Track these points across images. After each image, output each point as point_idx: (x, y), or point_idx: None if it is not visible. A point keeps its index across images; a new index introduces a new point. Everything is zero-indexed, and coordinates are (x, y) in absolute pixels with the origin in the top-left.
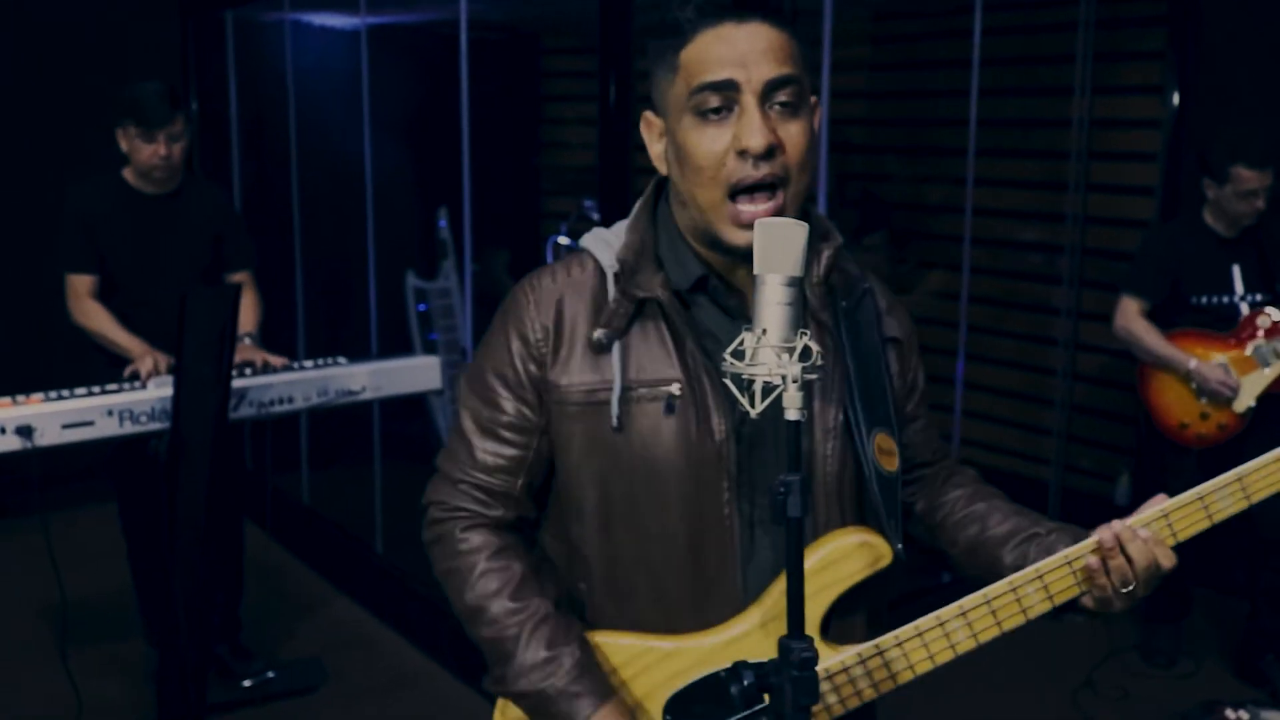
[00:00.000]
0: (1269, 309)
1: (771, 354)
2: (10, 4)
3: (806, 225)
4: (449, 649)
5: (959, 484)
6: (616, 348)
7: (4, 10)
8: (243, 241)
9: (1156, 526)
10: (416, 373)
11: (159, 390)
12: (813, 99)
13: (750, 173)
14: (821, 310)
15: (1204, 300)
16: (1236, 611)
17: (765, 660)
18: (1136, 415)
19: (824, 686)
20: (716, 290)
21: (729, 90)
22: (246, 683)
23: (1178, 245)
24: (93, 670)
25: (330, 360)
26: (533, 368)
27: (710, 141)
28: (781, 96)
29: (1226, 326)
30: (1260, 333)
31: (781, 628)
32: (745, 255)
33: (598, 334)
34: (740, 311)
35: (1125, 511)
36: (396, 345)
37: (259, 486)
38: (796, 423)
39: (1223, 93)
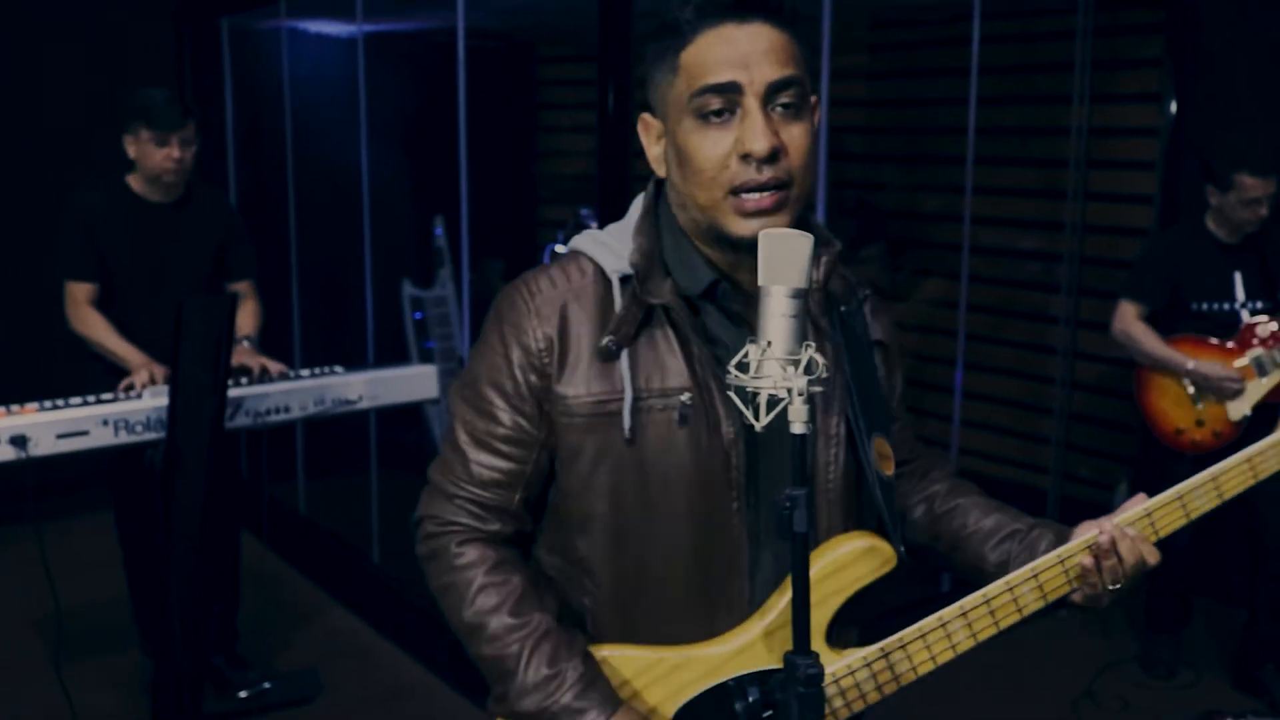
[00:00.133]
0: (1268, 318)
1: (776, 366)
2: (5, 11)
3: (811, 237)
4: (446, 660)
5: (936, 479)
6: (625, 356)
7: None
8: (245, 250)
9: (1141, 525)
10: (414, 382)
11: (154, 400)
12: (812, 99)
13: (754, 176)
14: (821, 316)
15: (1204, 307)
16: (1236, 621)
17: (771, 672)
18: (1135, 423)
19: (829, 691)
20: (725, 295)
21: (731, 92)
22: (242, 693)
23: (1179, 251)
24: (87, 681)
25: (327, 369)
26: (534, 378)
27: (712, 145)
28: (784, 98)
29: (1226, 334)
30: (1259, 341)
31: (788, 636)
32: (750, 248)
33: (606, 341)
34: (745, 318)
35: None
36: (392, 353)
37: (255, 496)
38: (802, 436)
39: (1221, 100)
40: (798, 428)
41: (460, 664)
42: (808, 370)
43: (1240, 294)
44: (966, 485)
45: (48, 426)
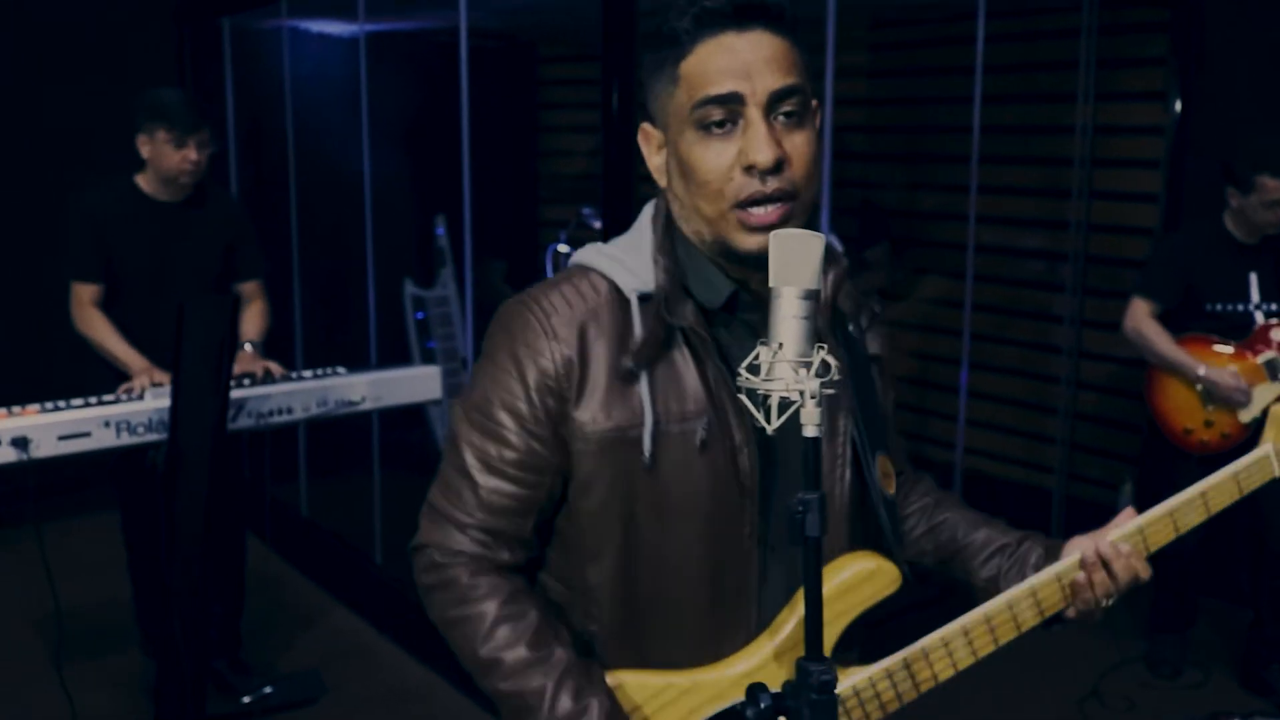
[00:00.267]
0: None
1: (788, 369)
2: (6, 11)
3: (823, 236)
4: (449, 661)
5: (922, 492)
6: (644, 379)
7: (0, 17)
8: (253, 251)
9: (1133, 541)
10: (416, 383)
11: (156, 401)
12: (814, 103)
13: (759, 188)
14: (829, 334)
15: (1218, 307)
16: (1242, 621)
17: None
18: (1140, 423)
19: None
20: (744, 305)
21: (733, 103)
22: (245, 699)
23: (1195, 250)
24: (88, 682)
25: (330, 370)
26: (551, 402)
27: (715, 156)
28: (786, 107)
29: (1240, 335)
30: (1274, 345)
31: (796, 657)
32: (758, 262)
33: (627, 363)
34: (763, 327)
35: None
36: (395, 354)
37: (257, 497)
38: (815, 439)
39: (1225, 99)
40: (810, 431)
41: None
42: (820, 372)
43: (1255, 295)
44: (951, 498)
45: (49, 428)
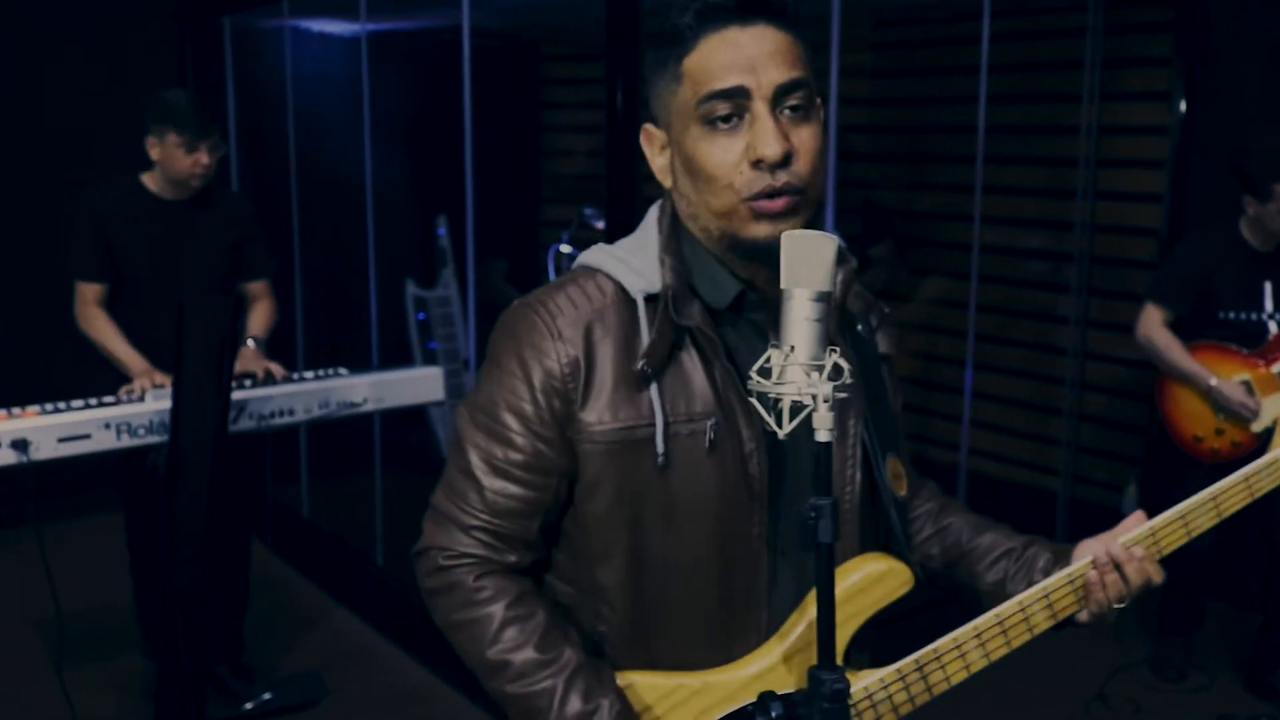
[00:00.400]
0: None
1: (800, 372)
2: (6, 11)
3: (835, 239)
4: (450, 663)
5: (926, 497)
6: (654, 381)
7: (0, 16)
8: (260, 250)
9: (1145, 545)
10: (419, 384)
11: (157, 403)
12: (817, 99)
13: (768, 182)
14: (838, 336)
15: (1232, 315)
16: (1249, 625)
17: (794, 690)
18: (1145, 425)
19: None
20: (751, 305)
21: (739, 97)
22: (247, 705)
23: (1209, 257)
24: (88, 685)
25: (331, 371)
26: (557, 403)
27: (722, 151)
28: (792, 100)
29: (1253, 344)
30: None
31: (807, 659)
32: (766, 253)
33: (641, 366)
34: (770, 327)
35: None
36: (397, 354)
37: (258, 499)
38: (827, 444)
39: (1230, 99)
40: (823, 435)
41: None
42: (833, 375)
43: (1269, 304)
44: (956, 503)
45: (49, 430)
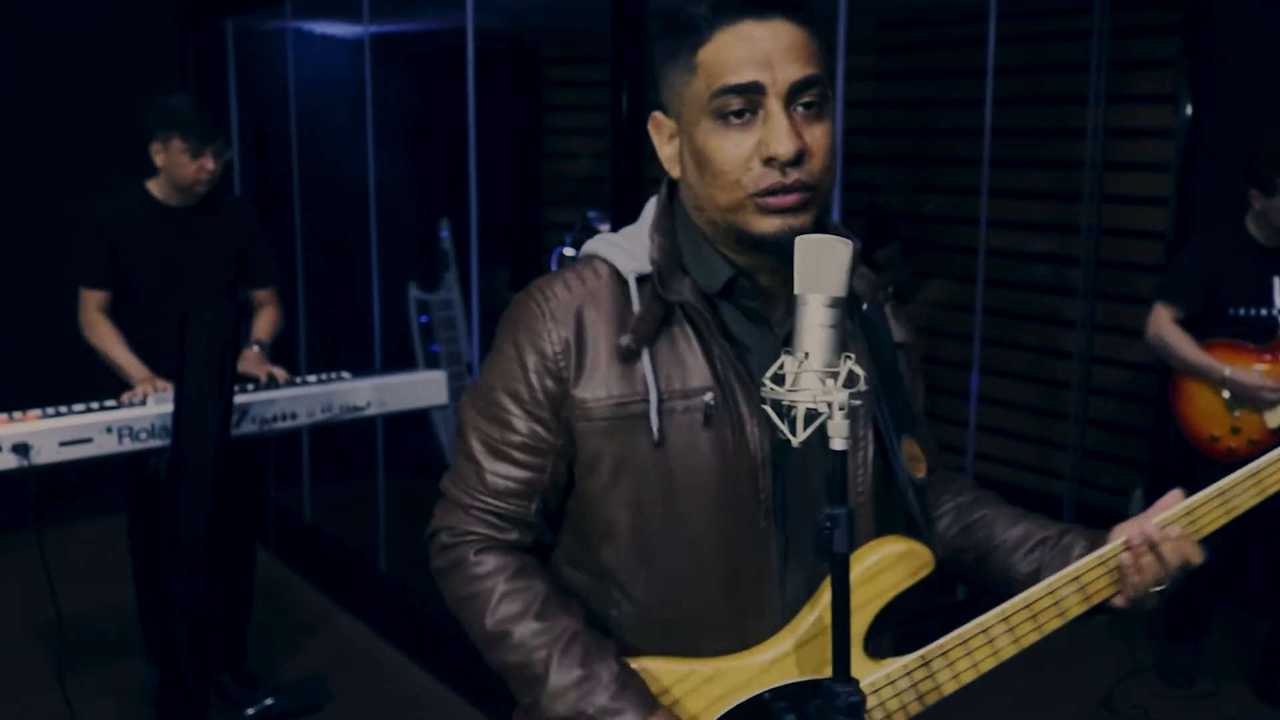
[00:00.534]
0: None
1: (814, 379)
2: (8, 12)
3: (850, 244)
4: (454, 668)
5: (958, 490)
6: (646, 356)
7: (2, 18)
8: (266, 257)
9: (1182, 524)
10: (422, 388)
11: (159, 407)
12: (829, 97)
13: (779, 179)
14: (845, 318)
15: (1241, 312)
16: (1258, 630)
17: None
18: (1151, 429)
19: (870, 702)
20: (744, 291)
21: (753, 93)
22: (250, 710)
23: (1217, 255)
24: (90, 691)
25: (334, 375)
26: (550, 384)
27: (734, 146)
28: (806, 98)
29: (1264, 340)
30: None
31: (821, 646)
32: (774, 247)
33: (625, 340)
34: (762, 315)
35: None
36: (399, 358)
37: (261, 503)
38: (842, 453)
39: (1236, 101)
40: (838, 444)
41: (469, 672)
42: (847, 383)
43: (1279, 300)
44: (990, 495)
45: (51, 434)
